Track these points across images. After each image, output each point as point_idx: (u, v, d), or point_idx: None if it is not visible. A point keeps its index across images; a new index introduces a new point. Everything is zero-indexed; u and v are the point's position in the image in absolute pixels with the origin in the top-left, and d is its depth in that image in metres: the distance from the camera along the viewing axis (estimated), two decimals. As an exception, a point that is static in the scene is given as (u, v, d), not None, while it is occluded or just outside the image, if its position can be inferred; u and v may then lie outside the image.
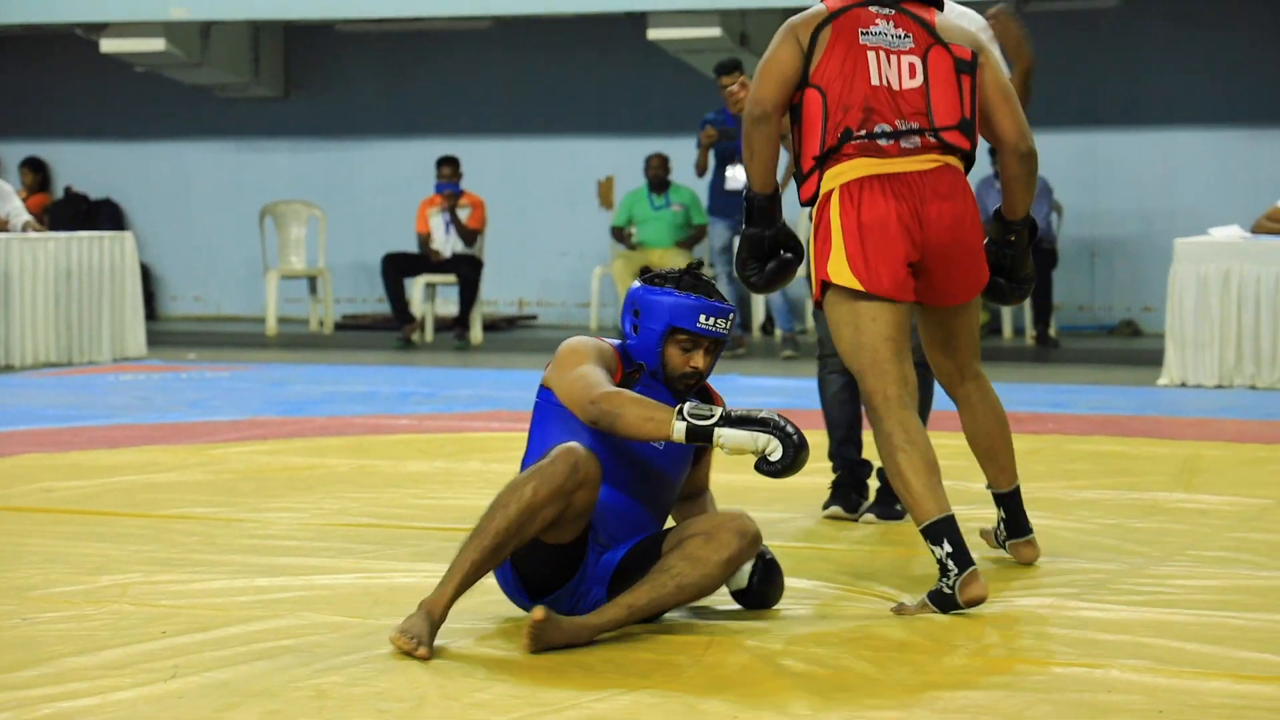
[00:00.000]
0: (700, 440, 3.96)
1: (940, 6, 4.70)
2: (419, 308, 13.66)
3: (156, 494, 6.06)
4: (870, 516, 5.66)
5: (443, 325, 14.14)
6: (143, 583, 4.58)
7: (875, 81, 4.56)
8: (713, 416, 3.97)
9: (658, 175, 13.74)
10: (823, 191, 4.56)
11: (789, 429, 3.95)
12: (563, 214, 15.26)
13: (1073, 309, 14.15)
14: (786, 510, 5.80)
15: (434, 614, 3.87)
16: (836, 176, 4.54)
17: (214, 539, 5.23)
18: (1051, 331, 12.85)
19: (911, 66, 4.59)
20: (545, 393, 4.25)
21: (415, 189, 14.83)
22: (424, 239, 13.55)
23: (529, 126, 15.37)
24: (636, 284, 4.36)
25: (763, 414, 3.97)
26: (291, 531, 5.37)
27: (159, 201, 16.19)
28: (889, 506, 5.65)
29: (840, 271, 4.50)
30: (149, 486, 6.22)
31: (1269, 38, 13.55)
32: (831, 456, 5.78)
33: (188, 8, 13.94)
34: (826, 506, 5.72)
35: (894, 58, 4.59)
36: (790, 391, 9.45)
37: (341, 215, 15.48)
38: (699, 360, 4.27)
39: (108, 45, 14.41)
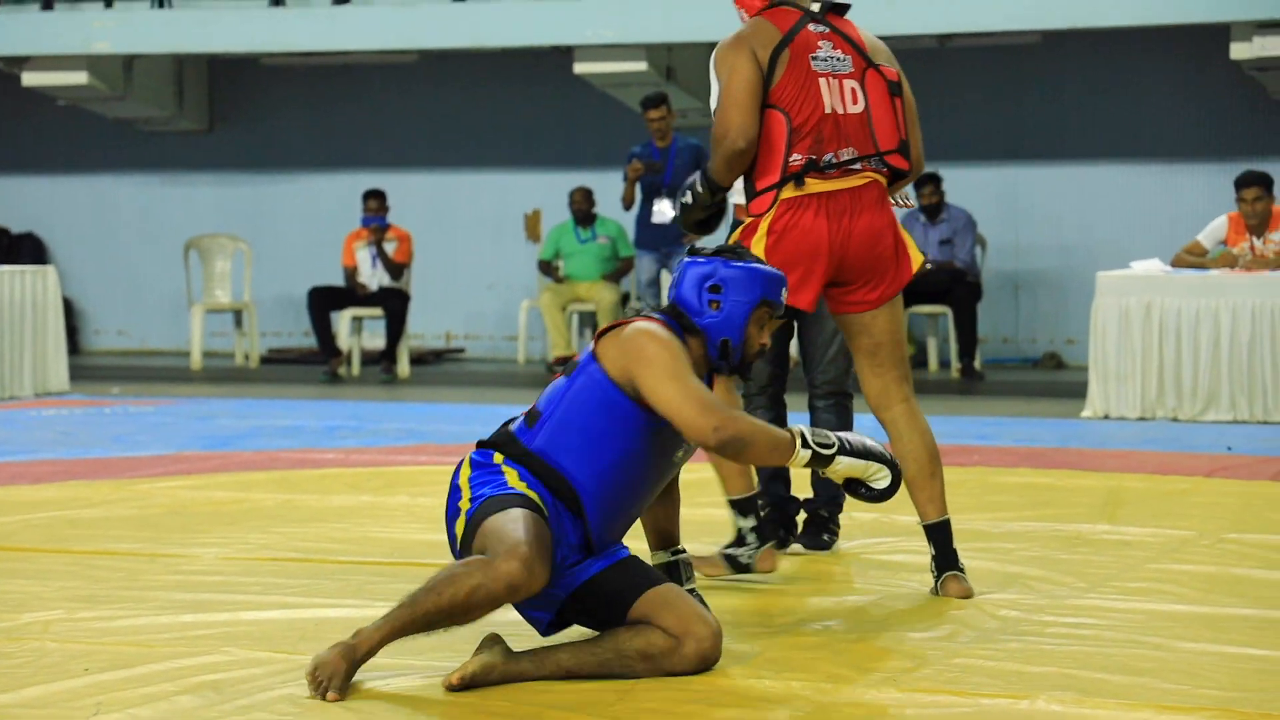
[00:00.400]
0: (815, 465, 3.97)
1: (843, 12, 4.90)
2: (345, 341, 13.62)
3: (79, 530, 6.01)
4: (797, 547, 5.67)
5: (369, 359, 14.09)
6: (65, 620, 4.53)
7: (828, 109, 4.77)
8: (834, 445, 3.97)
9: (581, 209, 13.76)
10: (768, 208, 4.74)
11: (893, 460, 4.04)
12: (489, 247, 15.25)
13: (997, 342, 14.25)
14: (712, 541, 5.80)
15: (356, 653, 3.81)
16: (788, 192, 4.74)
17: (138, 575, 5.19)
18: (976, 364, 12.93)
19: (853, 92, 4.80)
20: (602, 375, 3.98)
21: (341, 222, 14.80)
22: (350, 272, 13.51)
23: (455, 160, 15.36)
24: (699, 259, 4.12)
25: (869, 444, 4.03)
26: (217, 567, 5.33)
27: (82, 235, 16.08)
28: (816, 537, 5.67)
29: None
30: (71, 522, 6.17)
31: (1185, 74, 13.72)
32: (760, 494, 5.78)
33: (110, 41, 13.87)
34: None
35: (837, 82, 4.79)
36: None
37: (267, 249, 15.42)
38: (768, 337, 4.17)
39: (30, 79, 14.32)
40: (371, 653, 3.82)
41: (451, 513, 4.04)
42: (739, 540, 5.18)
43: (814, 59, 4.80)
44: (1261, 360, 9.87)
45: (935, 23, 12.57)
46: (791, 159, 4.76)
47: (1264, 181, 10.36)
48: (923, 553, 5.17)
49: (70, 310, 15.22)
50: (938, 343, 13.68)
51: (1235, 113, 13.76)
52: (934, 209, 13.05)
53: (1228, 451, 8.43)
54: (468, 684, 3.81)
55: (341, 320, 13.62)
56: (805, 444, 3.96)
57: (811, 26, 4.85)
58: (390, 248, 13.49)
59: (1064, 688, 3.87)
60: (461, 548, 3.98)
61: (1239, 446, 8.58)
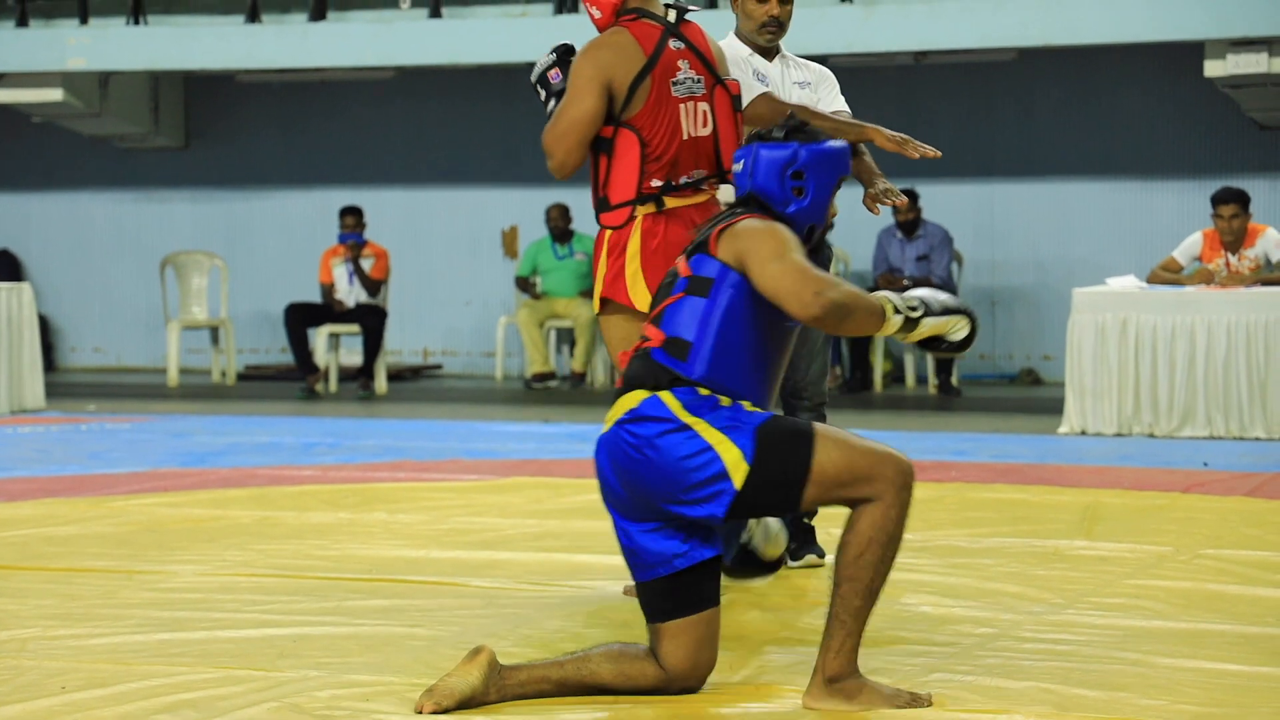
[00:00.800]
0: (903, 330, 3.90)
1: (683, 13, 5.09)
2: (323, 358, 13.59)
3: (55, 547, 5.99)
4: (811, 557, 5.66)
5: (347, 375, 14.07)
6: (41, 637, 4.52)
7: (685, 136, 5.02)
8: (920, 310, 3.89)
9: (558, 226, 13.78)
10: (630, 220, 4.99)
11: (970, 309, 3.96)
12: (467, 264, 15.24)
13: (974, 358, 14.27)
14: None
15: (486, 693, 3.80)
16: (644, 210, 5.00)
17: (114, 593, 5.17)
18: (953, 380, 12.95)
19: (705, 115, 5.06)
20: (727, 271, 3.88)
21: (318, 239, 14.78)
22: (327, 289, 13.49)
23: (432, 176, 15.36)
24: (771, 144, 4.02)
25: (946, 299, 3.93)
26: (194, 584, 5.32)
27: (58, 252, 16.04)
28: (813, 546, 5.68)
29: (640, 295, 4.96)
30: (47, 540, 6.15)
31: (1159, 92, 13.77)
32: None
33: (86, 58, 13.84)
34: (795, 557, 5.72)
35: (693, 105, 5.03)
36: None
37: (243, 265, 15.40)
38: (835, 208, 4.12)
39: (4, 95, 14.27)
40: (505, 698, 3.81)
41: (686, 462, 3.80)
42: None
43: (674, 84, 5.02)
44: (1237, 376, 9.90)
45: (911, 39, 12.60)
46: (650, 182, 4.99)
47: (1240, 198, 10.40)
48: (902, 569, 5.16)
49: (46, 327, 15.17)
50: (914, 359, 13.70)
51: (1210, 130, 13.81)
52: (911, 225, 13.07)
53: (1204, 467, 8.45)
54: (455, 706, 3.79)
55: (319, 337, 13.60)
56: (896, 310, 3.87)
57: (671, 44, 5.05)
58: (367, 264, 13.47)
59: (1042, 703, 3.88)
60: (759, 488, 3.77)
61: (1215, 462, 8.60)
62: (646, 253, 5.00)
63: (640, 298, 5.00)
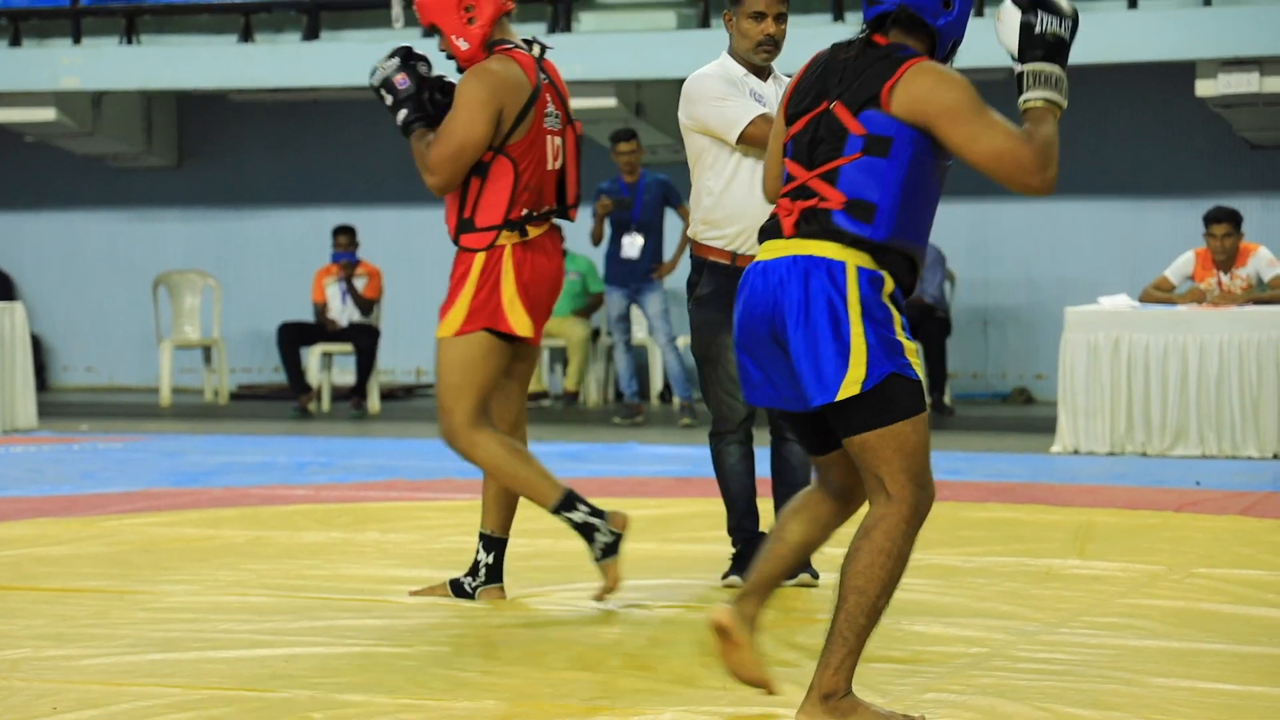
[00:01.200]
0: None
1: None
2: (315, 377, 13.59)
3: (47, 567, 5.98)
4: (805, 577, 5.66)
5: (339, 395, 14.06)
6: (32, 658, 4.51)
7: (549, 167, 5.23)
8: (1060, 88, 3.94)
9: (552, 245, 13.77)
10: (495, 245, 5.16)
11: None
12: (459, 283, 15.22)
13: (966, 377, 14.28)
14: (684, 577, 5.81)
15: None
16: (509, 238, 5.17)
17: (106, 613, 5.16)
18: (946, 399, 12.95)
19: (557, 149, 5.28)
20: (904, 128, 3.78)
21: (311, 258, 14.77)
22: (320, 308, 13.49)
23: (425, 196, 15.27)
24: None
25: (1057, 72, 3.92)
26: (186, 604, 5.30)
27: (50, 271, 16.03)
28: (805, 566, 5.67)
29: (521, 323, 5.15)
30: (40, 560, 6.13)
31: (1151, 111, 13.80)
32: (732, 531, 5.77)
33: (79, 77, 13.84)
34: (726, 576, 5.72)
35: (554, 139, 5.25)
36: (689, 460, 9.46)
37: (236, 285, 15.39)
38: None
39: (-2, 114, 14.29)
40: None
41: (827, 346, 3.74)
42: (474, 569, 5.39)
43: (546, 117, 5.23)
44: (1229, 395, 9.91)
45: (904, 59, 12.61)
46: (519, 209, 5.17)
47: (1233, 218, 10.41)
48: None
49: (38, 347, 15.16)
50: (907, 378, 13.69)
51: (1202, 149, 13.84)
52: (903, 245, 13.08)
53: (1196, 486, 8.45)
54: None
55: (311, 356, 13.59)
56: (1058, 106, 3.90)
57: (541, 76, 5.23)
58: (360, 283, 13.48)
59: (1036, 723, 3.88)
60: (850, 409, 3.73)
61: (1208, 481, 8.61)
62: (520, 282, 5.17)
63: (520, 324, 5.17)
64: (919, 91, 3.78)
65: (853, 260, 3.76)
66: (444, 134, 5.13)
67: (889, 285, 3.77)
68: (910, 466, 3.75)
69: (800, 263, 3.77)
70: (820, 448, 3.92)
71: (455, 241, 5.26)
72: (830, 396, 3.73)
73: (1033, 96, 3.88)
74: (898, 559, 3.77)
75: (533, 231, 5.21)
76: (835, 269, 3.76)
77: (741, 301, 3.87)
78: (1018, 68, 3.91)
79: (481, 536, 5.42)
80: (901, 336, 3.76)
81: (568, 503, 5.16)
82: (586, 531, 5.15)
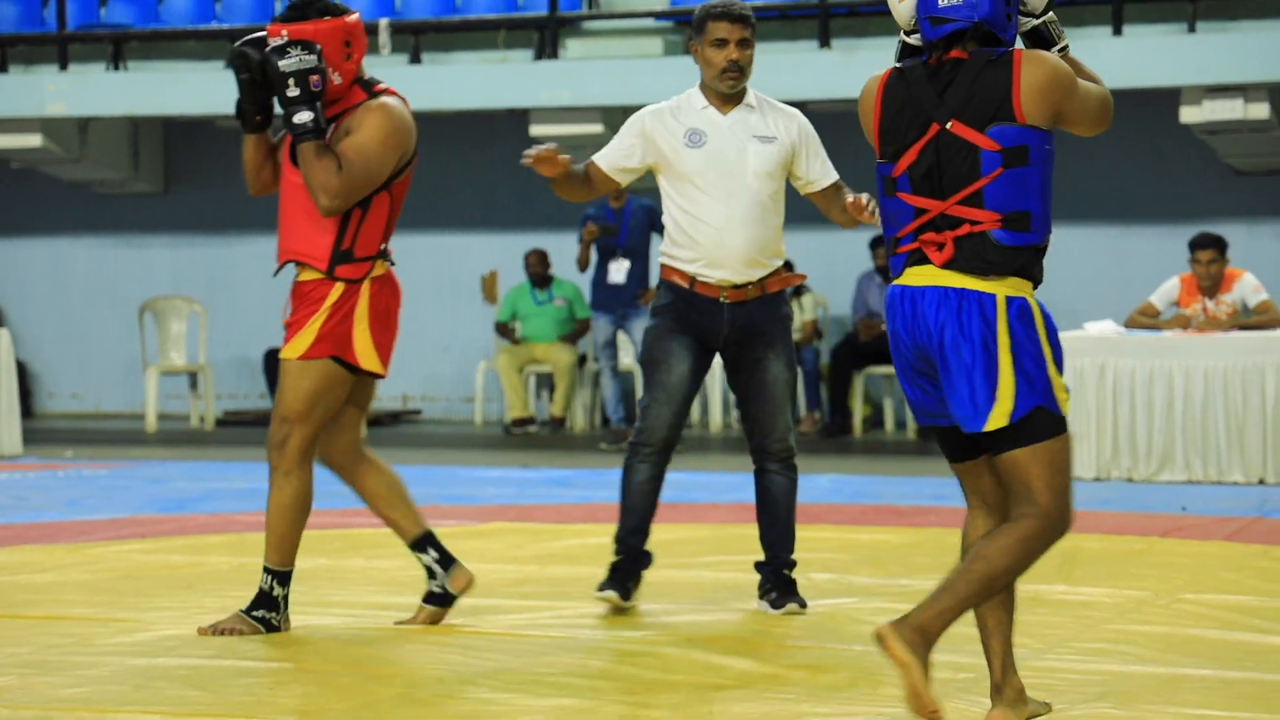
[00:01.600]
0: None
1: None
2: (301, 404, 13.56)
3: (32, 594, 5.96)
4: (793, 606, 5.66)
5: (325, 421, 14.02)
6: (17, 686, 4.49)
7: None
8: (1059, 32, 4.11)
9: (537, 272, 13.80)
10: (369, 276, 5.28)
11: None
12: (446, 309, 15.25)
13: (952, 403, 14.28)
14: (669, 602, 5.80)
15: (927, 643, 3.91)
16: (380, 268, 5.32)
17: (91, 640, 5.14)
18: (932, 425, 12.94)
19: None
20: (1036, 133, 3.95)
21: (297, 284, 14.75)
22: (306, 335, 13.48)
23: (411, 221, 15.31)
24: None
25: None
26: (171, 632, 5.29)
27: (36, 297, 16.02)
28: (792, 596, 5.66)
29: (369, 356, 5.26)
30: (24, 587, 6.12)
31: (1136, 137, 13.84)
32: (618, 540, 5.77)
33: (65, 103, 13.84)
34: (601, 589, 5.69)
35: None
36: (674, 485, 9.44)
37: (222, 311, 15.38)
38: None
39: (-16, 141, 14.28)
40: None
41: (979, 378, 3.88)
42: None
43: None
44: (1215, 421, 9.92)
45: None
46: (386, 244, 5.38)
47: (1218, 244, 10.44)
48: (881, 613, 5.16)
49: (24, 373, 15.13)
50: (894, 404, 13.71)
51: (1187, 176, 13.88)
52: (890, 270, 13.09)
53: (1183, 512, 8.46)
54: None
55: (297, 382, 13.57)
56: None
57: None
58: (346, 310, 13.47)
59: (1023, 749, 3.87)
60: (999, 433, 3.88)
61: (1194, 507, 8.61)
62: (374, 312, 5.29)
63: (368, 360, 5.27)
64: (1039, 83, 3.92)
65: (1002, 291, 3.90)
66: (355, 162, 5.18)
67: (1038, 315, 3.95)
68: (1055, 483, 3.92)
69: (953, 296, 3.88)
70: (961, 456, 4.05)
71: (329, 272, 5.28)
72: (979, 426, 3.87)
73: (1067, 43, 4.07)
74: (1024, 556, 3.88)
75: (384, 267, 5.36)
76: (986, 303, 3.89)
77: (893, 329, 3.98)
78: (1033, 22, 4.04)
79: (412, 546, 5.50)
80: (1052, 373, 3.93)
81: (284, 577, 5.28)
82: (272, 606, 5.23)
